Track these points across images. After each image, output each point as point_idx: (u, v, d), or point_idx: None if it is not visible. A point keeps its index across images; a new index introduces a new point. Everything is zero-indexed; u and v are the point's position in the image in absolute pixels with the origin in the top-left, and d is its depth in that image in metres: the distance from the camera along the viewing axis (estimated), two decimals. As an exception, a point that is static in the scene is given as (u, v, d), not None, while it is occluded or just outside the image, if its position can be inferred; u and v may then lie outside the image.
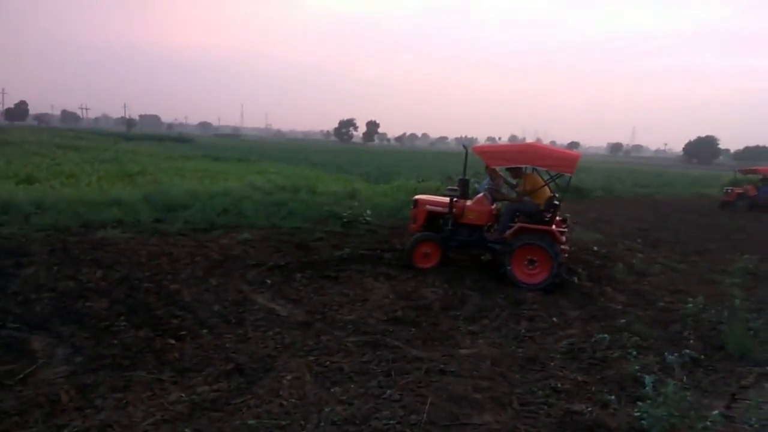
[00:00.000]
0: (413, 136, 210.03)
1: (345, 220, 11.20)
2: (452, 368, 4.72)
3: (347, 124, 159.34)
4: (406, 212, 10.98)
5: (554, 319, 6.32)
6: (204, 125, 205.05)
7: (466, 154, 8.14)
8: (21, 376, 4.13)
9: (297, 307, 6.17)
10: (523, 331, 5.88)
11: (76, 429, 3.50)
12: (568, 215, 9.51)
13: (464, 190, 8.21)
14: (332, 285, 7.09)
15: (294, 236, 9.68)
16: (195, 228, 9.89)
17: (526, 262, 7.70)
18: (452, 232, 8.18)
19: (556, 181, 8.46)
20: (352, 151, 71.51)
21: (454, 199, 8.19)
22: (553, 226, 7.77)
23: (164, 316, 5.59)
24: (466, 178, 8.20)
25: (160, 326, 5.33)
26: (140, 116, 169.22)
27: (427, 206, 8.46)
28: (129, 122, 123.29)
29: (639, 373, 4.70)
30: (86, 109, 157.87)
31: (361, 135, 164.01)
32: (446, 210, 8.22)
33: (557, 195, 8.39)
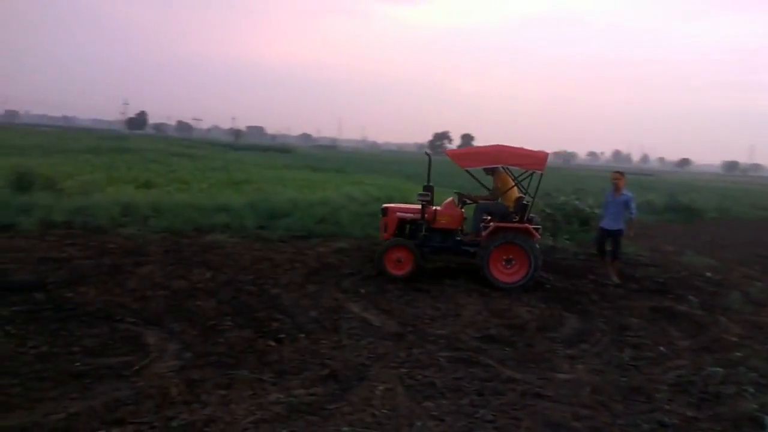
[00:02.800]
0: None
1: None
2: (549, 393, 4.54)
3: (442, 137, 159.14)
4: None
5: (662, 348, 5.89)
6: (305, 136, 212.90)
7: (430, 161, 8.50)
8: (137, 368, 4.46)
9: (390, 318, 6.21)
10: (626, 359, 5.53)
11: (183, 422, 3.71)
12: (534, 216, 8.70)
13: (430, 195, 8.12)
14: (424, 298, 7.08)
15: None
16: (294, 235, 10.33)
17: (503, 262, 7.70)
18: (425, 238, 8.09)
19: (529, 181, 8.37)
20: (447, 163, 71.15)
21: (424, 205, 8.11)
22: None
23: (265, 319, 5.85)
24: (431, 184, 8.18)
25: (262, 328, 5.57)
26: (247, 127, 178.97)
27: (398, 213, 8.35)
28: (237, 133, 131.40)
29: (758, 413, 4.28)
30: (199, 120, 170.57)
31: (455, 148, 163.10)
32: (417, 216, 8.15)
33: (527, 195, 8.25)
